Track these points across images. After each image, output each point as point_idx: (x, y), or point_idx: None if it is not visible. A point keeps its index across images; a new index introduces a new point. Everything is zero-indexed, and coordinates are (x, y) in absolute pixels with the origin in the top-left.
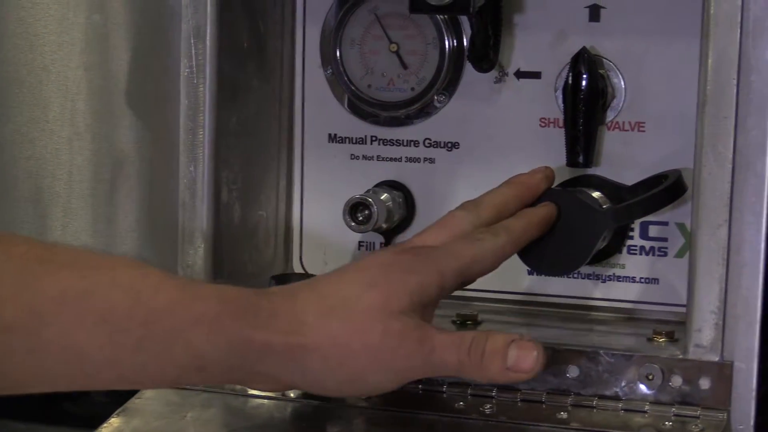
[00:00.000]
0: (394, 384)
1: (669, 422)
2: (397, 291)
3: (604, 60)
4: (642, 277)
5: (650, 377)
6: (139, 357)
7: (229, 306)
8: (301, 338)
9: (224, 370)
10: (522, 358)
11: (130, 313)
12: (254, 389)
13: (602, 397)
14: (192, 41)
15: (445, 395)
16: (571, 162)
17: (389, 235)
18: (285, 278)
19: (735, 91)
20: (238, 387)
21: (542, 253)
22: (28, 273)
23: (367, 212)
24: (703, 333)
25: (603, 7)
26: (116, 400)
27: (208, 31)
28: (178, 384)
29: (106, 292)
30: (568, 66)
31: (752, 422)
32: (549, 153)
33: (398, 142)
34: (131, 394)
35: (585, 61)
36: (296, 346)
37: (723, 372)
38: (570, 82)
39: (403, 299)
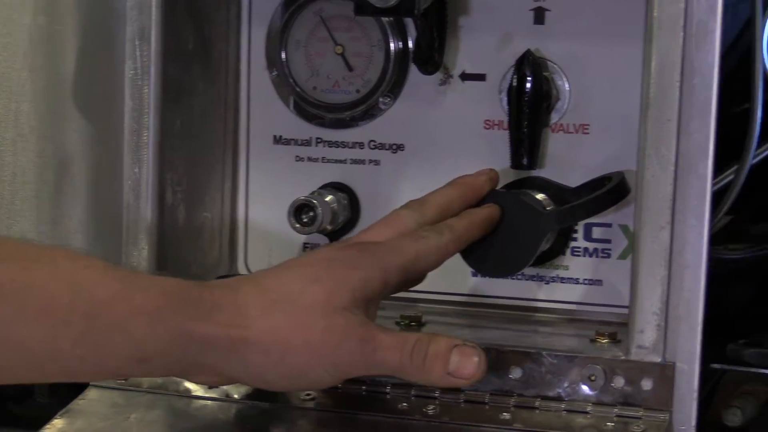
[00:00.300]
0: (334, 380)
1: (611, 423)
2: (340, 286)
3: (549, 63)
4: (585, 279)
5: (593, 378)
6: (81, 349)
7: (170, 298)
8: (242, 331)
9: (166, 363)
10: (463, 364)
11: (71, 306)
12: (196, 382)
13: (545, 398)
14: (137, 43)
15: (388, 396)
16: (516, 164)
17: (334, 236)
18: None
19: (678, 94)
20: (182, 387)
21: (486, 255)
22: None
23: (311, 214)
24: (646, 334)
25: (548, 10)
26: (60, 401)
27: (153, 33)
28: (120, 376)
29: (46, 285)
30: (513, 68)
31: (694, 423)
32: (493, 155)
33: (343, 144)
34: (75, 395)
35: (529, 64)
36: (237, 339)
37: (665, 373)
38: (514, 84)
39: (346, 295)
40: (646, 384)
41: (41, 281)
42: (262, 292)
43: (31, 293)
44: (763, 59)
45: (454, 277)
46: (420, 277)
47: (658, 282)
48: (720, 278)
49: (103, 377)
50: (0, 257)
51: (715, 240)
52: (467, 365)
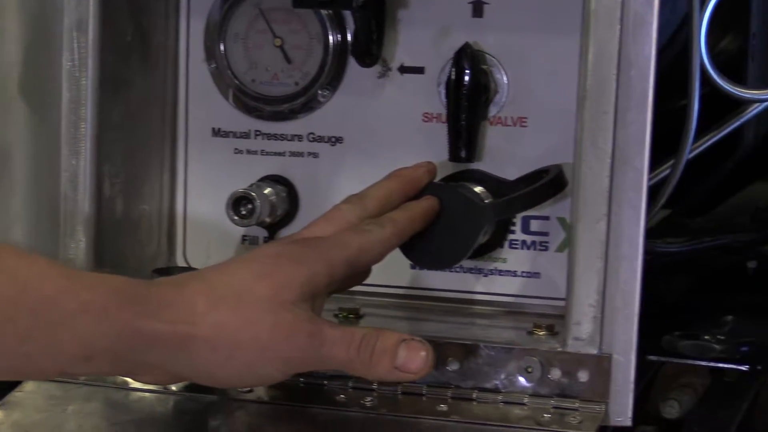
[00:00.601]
0: (283, 375)
1: (548, 414)
2: (287, 282)
3: (487, 56)
4: (523, 271)
5: (529, 370)
6: (26, 347)
7: (116, 295)
8: (189, 328)
9: (112, 360)
10: (411, 359)
11: (17, 302)
12: (142, 381)
13: (482, 389)
14: (74, 34)
15: (326, 388)
16: (454, 157)
17: (273, 229)
18: (167, 271)
19: (615, 86)
20: (120, 380)
21: (424, 247)
22: None
23: (250, 206)
24: (582, 326)
25: (486, 3)
26: None
27: (90, 24)
28: (65, 375)
29: None
30: (451, 61)
31: (630, 414)
32: (432, 148)
33: (282, 137)
34: (11, 387)
35: (468, 57)
36: (185, 336)
37: (601, 364)
38: (453, 77)
39: (293, 290)
40: (583, 376)
41: None
42: (209, 289)
43: None
44: (700, 53)
45: (392, 270)
46: (365, 272)
47: (595, 274)
48: (659, 271)
49: (47, 375)
50: None
51: (654, 233)
52: (414, 360)
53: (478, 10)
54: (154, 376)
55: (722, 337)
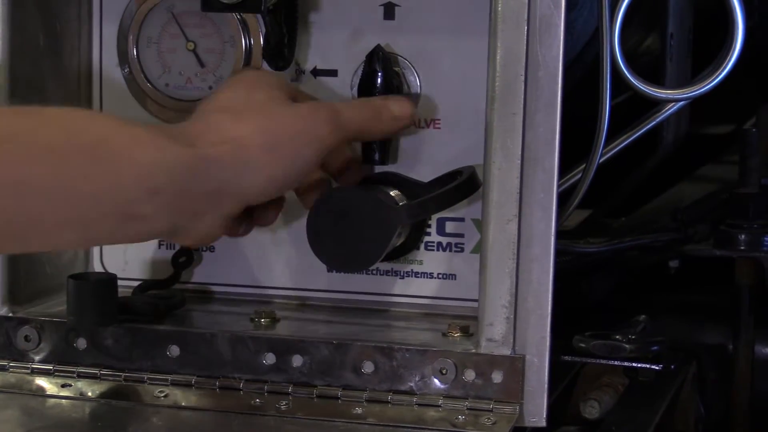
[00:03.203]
0: (317, 157)
1: (462, 416)
2: (276, 85)
3: (399, 58)
4: (439, 273)
5: (444, 372)
6: (89, 185)
7: (161, 131)
8: (238, 141)
9: (176, 194)
10: (401, 106)
11: (70, 143)
12: (194, 238)
13: (397, 392)
14: None
15: (242, 392)
16: (367, 159)
17: None
18: (84, 277)
19: (523, 87)
20: (35, 387)
21: (338, 250)
22: None
23: None
24: (495, 327)
25: (397, 6)
26: None
27: (0, 30)
28: (135, 216)
29: (41, 129)
30: (363, 64)
31: (545, 415)
32: None
33: None
34: None
35: (379, 59)
36: (238, 148)
37: (515, 365)
38: (365, 79)
39: (284, 90)
40: (497, 377)
41: (35, 126)
42: (225, 110)
43: (29, 136)
44: (610, 57)
45: (309, 273)
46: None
47: (507, 275)
48: (581, 271)
49: (119, 219)
50: None
51: (576, 234)
52: (404, 105)
53: (389, 13)
54: (212, 218)
55: (633, 337)
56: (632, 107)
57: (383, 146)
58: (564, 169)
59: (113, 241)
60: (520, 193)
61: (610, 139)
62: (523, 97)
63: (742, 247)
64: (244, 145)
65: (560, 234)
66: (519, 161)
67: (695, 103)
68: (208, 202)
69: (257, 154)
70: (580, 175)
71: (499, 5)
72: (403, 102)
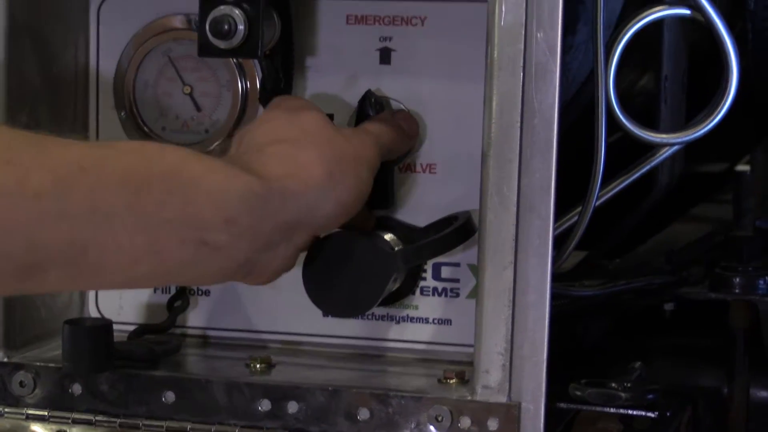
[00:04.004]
0: (369, 176)
1: None
2: (317, 110)
3: (395, 102)
4: (435, 318)
5: (439, 419)
6: (165, 212)
7: (230, 160)
8: (301, 168)
9: (251, 223)
10: (411, 123)
11: (148, 170)
12: (269, 267)
13: None
14: None
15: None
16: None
17: None
18: (79, 322)
19: (519, 134)
20: None
21: (335, 296)
22: (44, 145)
23: None
24: (491, 374)
25: (393, 50)
26: None
27: None
28: (214, 248)
29: (119, 157)
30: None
31: None
32: None
33: None
34: None
35: (371, 105)
36: (303, 177)
37: (510, 413)
38: (358, 124)
39: (323, 114)
40: (492, 424)
41: (112, 155)
42: (282, 141)
43: (108, 164)
44: (606, 102)
45: (304, 318)
46: None
47: (503, 322)
48: (576, 314)
49: (195, 247)
50: (64, 142)
51: (571, 275)
52: (412, 122)
53: (385, 57)
54: (285, 250)
55: (629, 385)
56: (627, 146)
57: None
58: (559, 207)
59: (187, 276)
60: (516, 239)
61: (605, 181)
62: (518, 143)
63: (737, 290)
64: (310, 175)
65: (555, 276)
66: (515, 208)
67: (690, 143)
68: (282, 233)
69: (324, 182)
70: (575, 218)
71: (495, 52)
72: (410, 118)
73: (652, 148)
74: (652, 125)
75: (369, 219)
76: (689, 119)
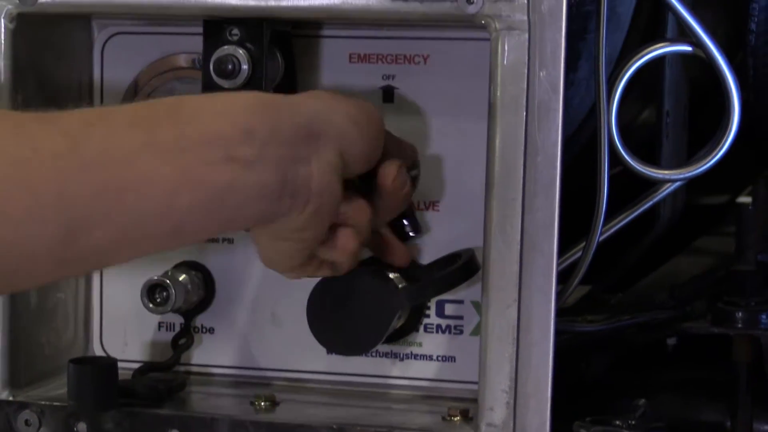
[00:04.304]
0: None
1: None
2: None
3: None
4: (439, 355)
5: None
6: (183, 141)
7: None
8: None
9: (270, 133)
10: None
11: (153, 112)
12: (311, 189)
13: None
14: None
15: None
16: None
17: (189, 315)
18: (84, 361)
19: (522, 172)
20: None
21: (338, 333)
22: (48, 115)
23: (165, 294)
24: (495, 412)
25: (396, 88)
26: None
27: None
28: (236, 158)
29: (121, 109)
30: None
31: None
32: None
33: None
34: None
35: None
36: (322, 98)
37: None
38: None
39: None
40: None
41: (114, 110)
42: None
43: (111, 116)
44: (608, 138)
45: (308, 355)
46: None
47: (507, 359)
48: (579, 349)
49: (224, 163)
50: (63, 112)
51: (574, 310)
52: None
53: (388, 96)
54: (318, 166)
55: (633, 422)
56: (628, 179)
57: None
58: (561, 242)
59: (232, 201)
60: (520, 277)
61: (607, 215)
62: (522, 182)
63: (740, 325)
64: (314, 93)
65: (558, 311)
66: (518, 246)
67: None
68: (304, 141)
69: (329, 97)
70: (577, 254)
71: (498, 91)
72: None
73: (654, 184)
74: (653, 159)
75: (404, 253)
76: (690, 152)
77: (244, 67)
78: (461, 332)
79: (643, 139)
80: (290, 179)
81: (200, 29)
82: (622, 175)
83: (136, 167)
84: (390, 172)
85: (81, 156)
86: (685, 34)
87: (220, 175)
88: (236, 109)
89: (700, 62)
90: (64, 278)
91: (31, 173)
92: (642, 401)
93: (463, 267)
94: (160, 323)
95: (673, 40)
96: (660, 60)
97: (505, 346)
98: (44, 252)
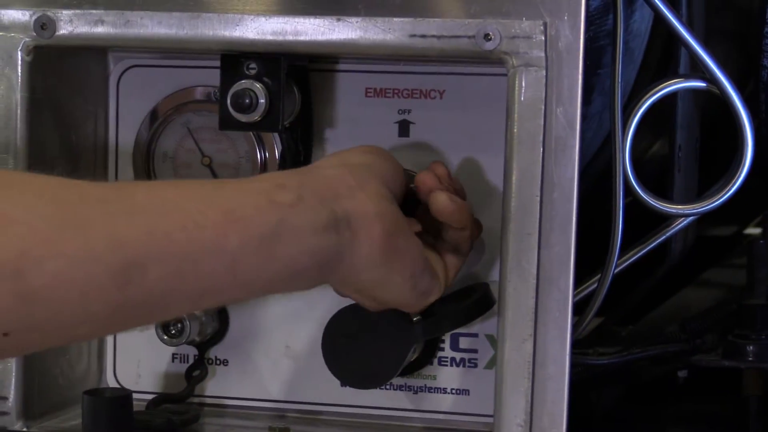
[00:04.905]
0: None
1: None
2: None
3: (413, 175)
4: (453, 389)
5: None
6: (225, 191)
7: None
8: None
9: (302, 173)
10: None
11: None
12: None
13: None
14: (1, 156)
15: None
16: None
17: (203, 347)
18: (99, 392)
19: (538, 208)
20: None
21: (354, 367)
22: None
23: (179, 326)
24: None
25: (412, 123)
26: None
27: (18, 145)
28: (278, 201)
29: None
30: None
31: None
32: None
33: None
34: None
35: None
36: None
37: None
38: None
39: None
40: None
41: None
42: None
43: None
44: (623, 174)
45: (323, 388)
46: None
47: (522, 394)
48: (590, 382)
49: (270, 207)
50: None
51: (586, 342)
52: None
53: (404, 130)
54: (368, 195)
55: None
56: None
57: None
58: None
59: (285, 239)
60: (536, 312)
61: (621, 251)
62: (538, 217)
63: (750, 358)
64: (339, 154)
65: None
66: (534, 281)
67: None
68: (343, 183)
69: (357, 151)
70: (590, 287)
71: (515, 127)
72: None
73: (667, 218)
74: (665, 192)
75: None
76: (701, 184)
77: (262, 101)
78: (475, 365)
79: (654, 172)
80: (340, 213)
81: (216, 62)
82: (630, 204)
83: (181, 210)
84: (442, 198)
85: (127, 202)
86: (696, 67)
87: (268, 215)
88: (262, 177)
89: (711, 93)
90: (122, 329)
91: (79, 214)
92: None
93: (478, 301)
94: (173, 355)
95: (687, 76)
96: (673, 94)
97: (521, 381)
98: (98, 294)
